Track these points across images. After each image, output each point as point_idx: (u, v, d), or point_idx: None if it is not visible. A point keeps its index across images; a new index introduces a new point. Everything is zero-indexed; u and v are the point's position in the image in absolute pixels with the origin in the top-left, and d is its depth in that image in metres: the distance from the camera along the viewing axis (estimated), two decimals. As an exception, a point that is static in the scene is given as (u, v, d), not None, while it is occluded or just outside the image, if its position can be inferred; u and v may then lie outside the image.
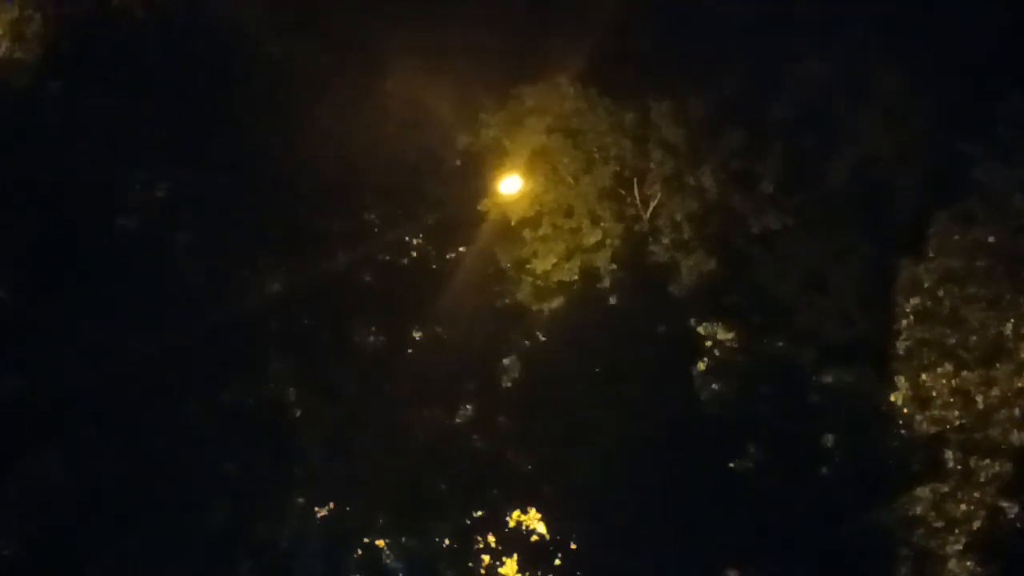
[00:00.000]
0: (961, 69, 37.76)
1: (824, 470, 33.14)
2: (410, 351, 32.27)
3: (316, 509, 31.12)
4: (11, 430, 28.92)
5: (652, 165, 37.18)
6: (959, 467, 31.82)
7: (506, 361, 33.03)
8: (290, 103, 33.18)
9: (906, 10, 39.00)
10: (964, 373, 32.17)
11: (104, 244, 30.21)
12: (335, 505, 30.92)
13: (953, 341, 32.62)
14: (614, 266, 36.14)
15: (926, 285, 33.26)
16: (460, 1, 38.48)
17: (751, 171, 37.26)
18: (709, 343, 35.64)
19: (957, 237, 33.27)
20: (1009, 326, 32.18)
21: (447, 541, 30.36)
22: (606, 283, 36.24)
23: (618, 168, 37.30)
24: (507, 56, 38.41)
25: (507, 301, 34.31)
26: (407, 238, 33.74)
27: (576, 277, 36.11)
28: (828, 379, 34.14)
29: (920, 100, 37.18)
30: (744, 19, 39.28)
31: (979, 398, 32.08)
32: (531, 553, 30.61)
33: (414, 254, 33.53)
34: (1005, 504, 31.10)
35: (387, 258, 33.13)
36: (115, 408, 28.99)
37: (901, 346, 33.26)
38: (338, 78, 34.40)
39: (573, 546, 31.32)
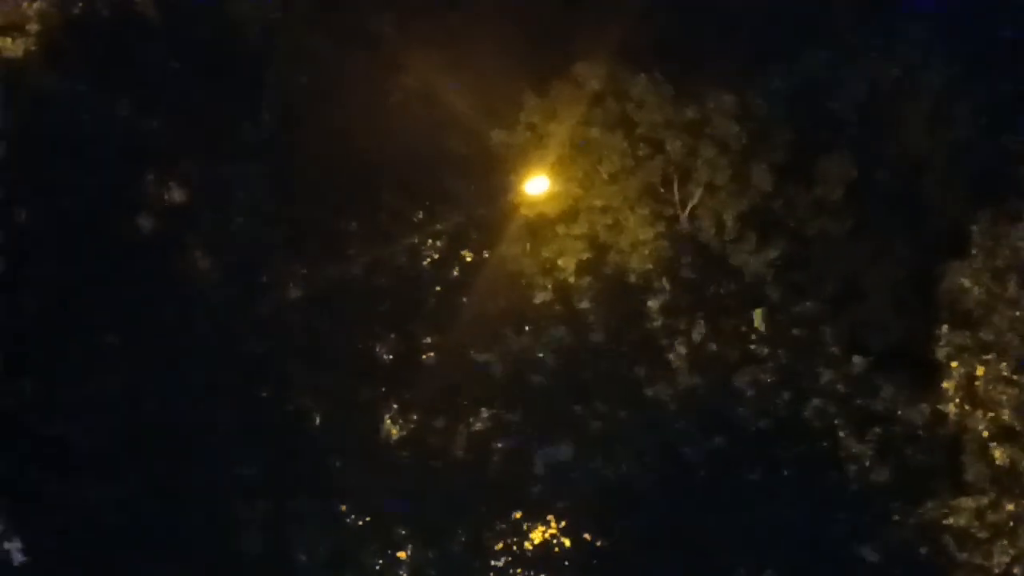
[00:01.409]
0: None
1: (864, 479, 32.42)
2: (429, 356, 31.85)
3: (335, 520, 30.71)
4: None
5: (700, 163, 37.12)
6: (1006, 473, 31.55)
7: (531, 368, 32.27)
8: (308, 100, 33.03)
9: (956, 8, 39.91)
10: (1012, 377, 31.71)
11: (119, 247, 29.89)
12: (354, 516, 30.57)
13: (997, 343, 32.21)
14: (650, 266, 36.05)
15: (968, 286, 32.87)
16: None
17: (801, 170, 37.27)
18: (745, 347, 35.08)
19: (1001, 237, 32.81)
20: None
21: (463, 552, 29.91)
22: (640, 283, 35.93)
23: (664, 165, 37.35)
24: (542, 47, 38.76)
25: (536, 302, 33.93)
26: (430, 239, 33.21)
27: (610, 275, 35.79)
28: (871, 385, 33.41)
29: (968, 98, 37.24)
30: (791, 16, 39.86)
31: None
32: (547, 564, 30.37)
33: (436, 256, 32.98)
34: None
35: (406, 260, 32.51)
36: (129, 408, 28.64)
37: (943, 351, 32.84)
38: (358, 74, 34.00)
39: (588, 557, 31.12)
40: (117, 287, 29.46)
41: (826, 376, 33.96)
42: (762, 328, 35.54)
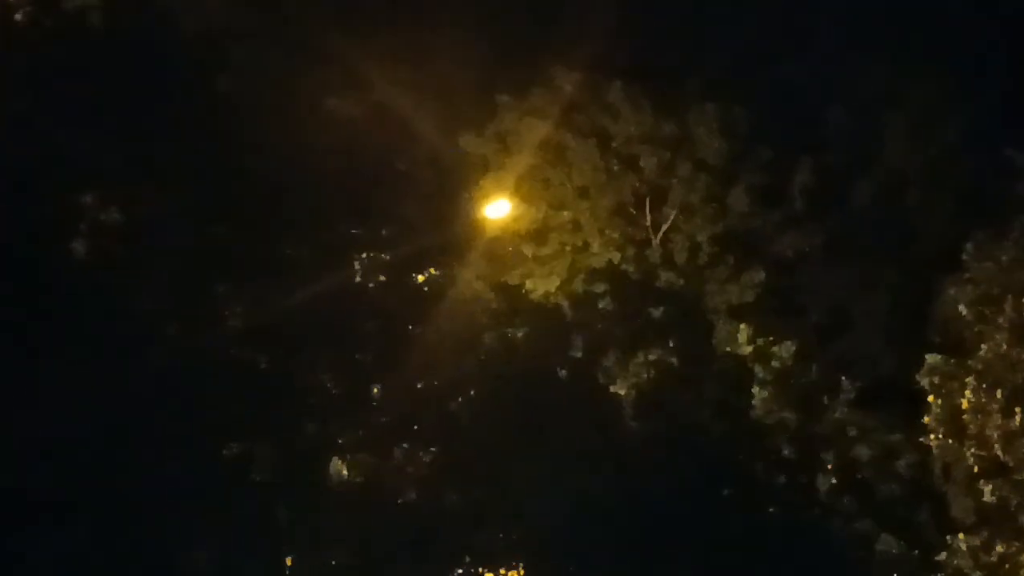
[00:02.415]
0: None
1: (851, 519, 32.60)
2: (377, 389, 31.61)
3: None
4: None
5: (675, 181, 36.67)
6: (997, 511, 31.06)
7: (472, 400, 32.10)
8: (259, 118, 32.27)
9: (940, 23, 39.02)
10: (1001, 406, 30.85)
11: (65, 267, 29.19)
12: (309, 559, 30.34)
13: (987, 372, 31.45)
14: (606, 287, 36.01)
15: (960, 311, 32.32)
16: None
17: (778, 189, 36.91)
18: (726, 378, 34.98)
19: (993, 258, 32.19)
20: None
21: None
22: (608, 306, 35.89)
23: (637, 182, 36.95)
24: (512, 60, 38.53)
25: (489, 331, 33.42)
26: (378, 263, 32.87)
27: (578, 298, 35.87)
28: (855, 419, 33.69)
29: (953, 113, 36.99)
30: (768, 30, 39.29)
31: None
32: None
33: (383, 278, 32.62)
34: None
35: (358, 282, 32.32)
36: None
37: (929, 381, 32.18)
38: (309, 89, 33.81)
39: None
40: (53, 316, 28.65)
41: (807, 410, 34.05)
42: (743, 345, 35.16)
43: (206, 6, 35.22)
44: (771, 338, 35.59)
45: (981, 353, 32.20)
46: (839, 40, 39.75)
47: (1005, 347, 32.04)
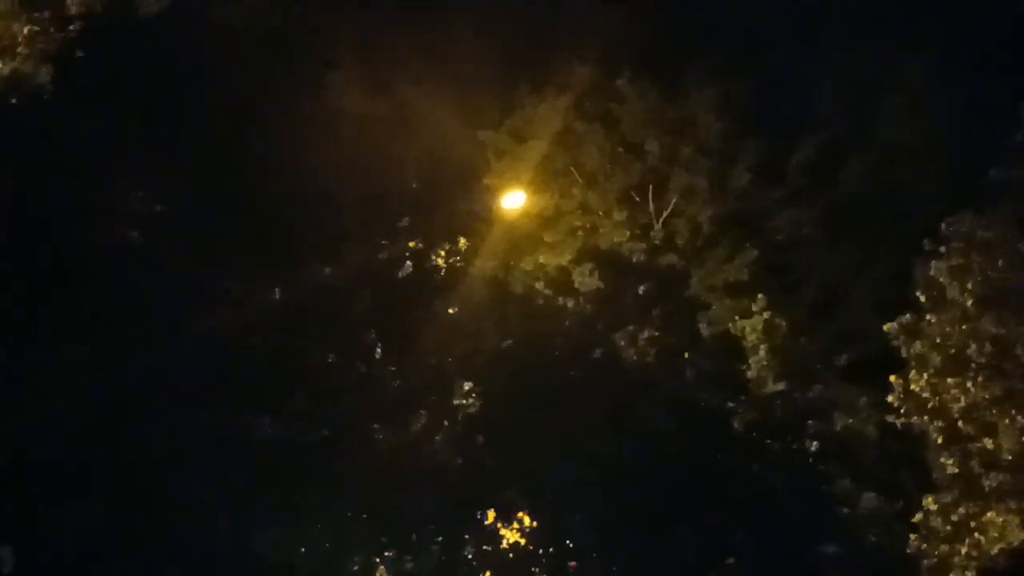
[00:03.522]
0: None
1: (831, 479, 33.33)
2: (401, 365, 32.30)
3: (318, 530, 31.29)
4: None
5: (676, 168, 37.27)
6: (964, 477, 31.17)
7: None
8: (287, 116, 33.94)
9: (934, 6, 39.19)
10: (975, 380, 31.03)
11: (89, 258, 30.65)
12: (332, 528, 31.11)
13: (967, 348, 31.53)
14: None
15: (940, 287, 32.13)
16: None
17: (776, 170, 37.32)
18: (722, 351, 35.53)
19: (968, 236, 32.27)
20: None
21: (437, 556, 30.64)
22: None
23: (641, 169, 37.47)
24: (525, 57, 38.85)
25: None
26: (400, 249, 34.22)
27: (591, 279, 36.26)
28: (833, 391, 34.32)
29: (945, 96, 37.09)
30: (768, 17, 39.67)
31: (987, 408, 31.05)
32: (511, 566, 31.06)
33: (408, 263, 33.93)
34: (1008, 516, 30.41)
35: (385, 269, 33.57)
36: (103, 422, 29.06)
37: (912, 352, 32.21)
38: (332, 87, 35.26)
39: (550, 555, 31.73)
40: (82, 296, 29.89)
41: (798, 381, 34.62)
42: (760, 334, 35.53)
43: (229, 7, 36.34)
44: (766, 314, 35.30)
45: (943, 321, 31.86)
46: (836, 25, 39.26)
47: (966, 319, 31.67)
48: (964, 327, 31.86)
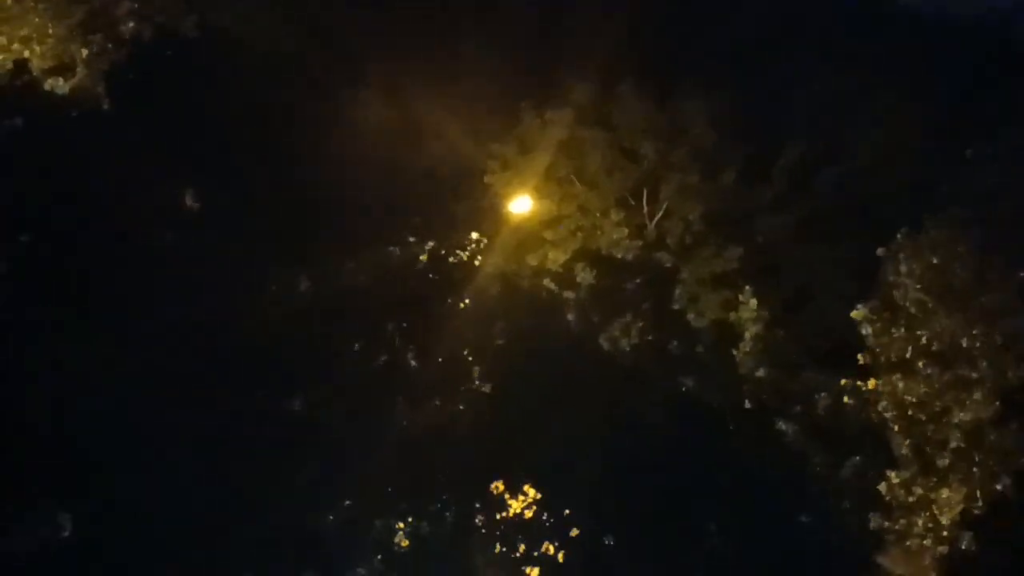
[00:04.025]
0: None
1: (809, 456, 33.64)
2: (422, 353, 32.58)
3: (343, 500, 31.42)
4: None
5: (670, 173, 38.03)
6: (918, 458, 32.22)
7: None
8: (319, 130, 35.15)
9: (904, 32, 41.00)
10: (926, 370, 32.22)
11: (126, 255, 31.48)
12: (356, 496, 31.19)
13: (919, 340, 32.63)
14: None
15: (898, 286, 33.26)
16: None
17: (759, 177, 38.27)
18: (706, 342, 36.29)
19: (927, 239, 33.25)
20: (974, 331, 32.06)
21: (451, 522, 30.91)
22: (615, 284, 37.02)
23: (636, 175, 38.29)
24: (530, 73, 39.84)
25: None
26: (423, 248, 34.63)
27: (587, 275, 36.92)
28: (809, 378, 34.69)
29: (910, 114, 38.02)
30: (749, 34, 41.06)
31: (937, 396, 32.24)
32: (520, 532, 31.21)
33: (424, 259, 34.47)
34: (957, 492, 31.52)
35: (408, 263, 34.13)
36: (128, 416, 29.59)
37: (871, 343, 33.46)
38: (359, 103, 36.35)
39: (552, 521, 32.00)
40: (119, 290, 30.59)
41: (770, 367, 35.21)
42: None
43: (261, 31, 37.85)
44: (752, 303, 36.03)
45: (899, 316, 32.87)
46: (815, 46, 40.35)
47: (919, 313, 32.71)
48: (917, 321, 32.72)
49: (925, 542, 32.08)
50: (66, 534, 29.25)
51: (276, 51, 37.85)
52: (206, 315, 31.33)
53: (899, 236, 33.55)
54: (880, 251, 33.73)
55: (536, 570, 30.76)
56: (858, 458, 33.70)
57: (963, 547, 31.53)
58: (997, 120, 37.19)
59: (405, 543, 30.88)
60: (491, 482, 31.50)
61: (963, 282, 32.78)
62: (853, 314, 33.53)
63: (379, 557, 30.73)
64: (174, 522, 29.48)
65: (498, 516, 31.48)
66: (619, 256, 38.00)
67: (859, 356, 34.08)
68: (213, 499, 29.78)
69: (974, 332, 32.22)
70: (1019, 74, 39.44)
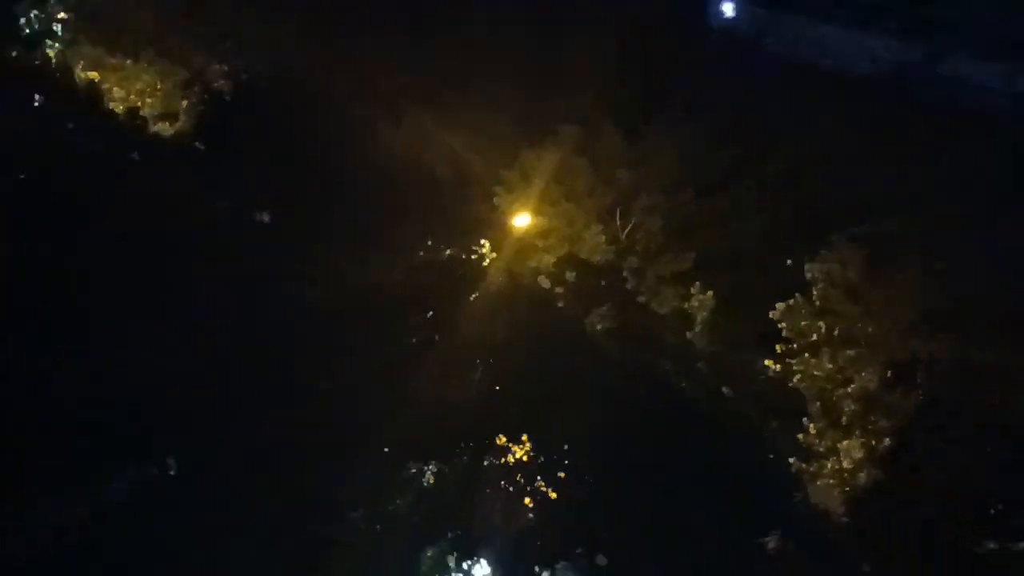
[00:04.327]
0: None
1: (745, 414, 33.06)
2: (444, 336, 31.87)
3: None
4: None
5: (641, 192, 37.43)
6: (826, 417, 32.34)
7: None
8: (364, 157, 35.06)
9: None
10: (831, 350, 32.46)
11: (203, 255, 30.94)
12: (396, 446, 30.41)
13: (825, 327, 32.81)
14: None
15: (811, 285, 33.46)
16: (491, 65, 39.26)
17: (711, 197, 37.50)
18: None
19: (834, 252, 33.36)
20: (866, 320, 32.25)
21: (466, 465, 30.24)
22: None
23: (613, 194, 37.69)
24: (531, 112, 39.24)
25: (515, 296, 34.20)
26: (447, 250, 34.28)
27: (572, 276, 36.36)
28: (744, 354, 34.28)
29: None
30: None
31: (841, 369, 32.49)
32: (518, 472, 30.42)
33: (444, 263, 33.91)
34: (856, 443, 31.48)
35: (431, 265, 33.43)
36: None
37: (789, 331, 33.52)
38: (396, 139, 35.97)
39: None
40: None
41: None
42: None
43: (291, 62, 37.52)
44: (703, 295, 35.48)
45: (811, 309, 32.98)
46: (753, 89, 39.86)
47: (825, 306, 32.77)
48: (824, 314, 33.08)
49: (833, 480, 31.79)
50: (68, 533, 27.37)
51: (329, 99, 37.60)
52: (273, 298, 31.18)
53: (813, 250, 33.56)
54: (789, 261, 34.27)
55: (529, 500, 30.08)
56: (780, 417, 33.41)
57: (862, 484, 31.20)
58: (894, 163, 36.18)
59: (432, 481, 30.28)
60: (496, 435, 30.89)
61: (858, 284, 32.74)
62: (774, 313, 33.58)
63: (412, 491, 30.19)
64: (232, 472, 28.60)
65: (502, 461, 30.82)
66: (597, 259, 37.46)
67: (781, 340, 33.77)
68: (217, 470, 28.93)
69: (867, 321, 32.25)
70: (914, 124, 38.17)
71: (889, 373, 32.11)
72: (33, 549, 26.46)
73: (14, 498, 26.62)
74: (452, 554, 28.83)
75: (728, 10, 47.27)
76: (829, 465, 31.95)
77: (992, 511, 29.93)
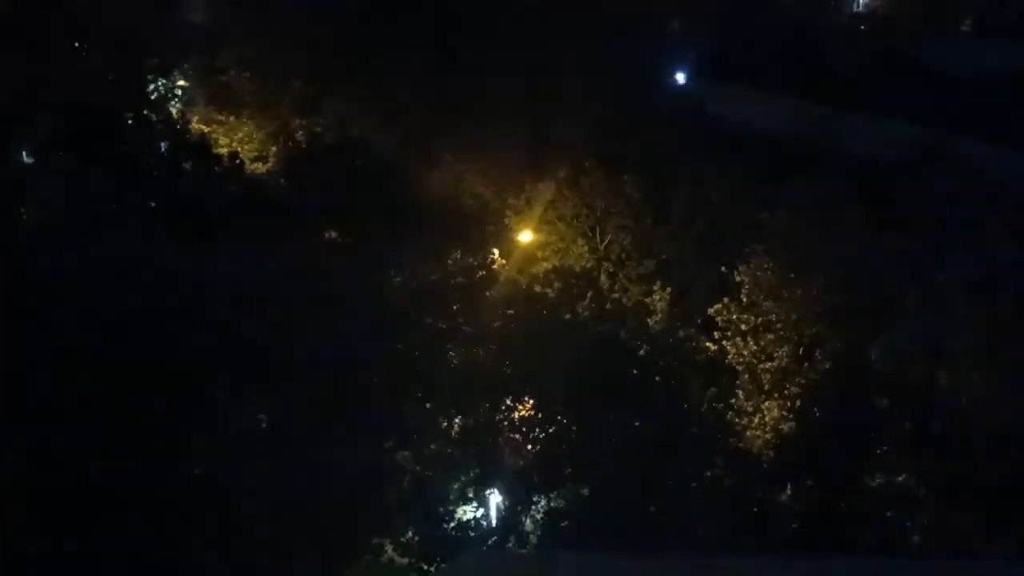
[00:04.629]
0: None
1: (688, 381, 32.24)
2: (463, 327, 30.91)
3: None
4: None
5: (614, 216, 38.38)
6: (753, 386, 33.06)
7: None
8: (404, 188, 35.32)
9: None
10: (755, 336, 33.34)
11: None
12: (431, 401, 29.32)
13: (750, 321, 33.57)
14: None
15: (740, 285, 33.98)
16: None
17: (663, 221, 38.52)
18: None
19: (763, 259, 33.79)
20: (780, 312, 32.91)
21: (483, 420, 29.55)
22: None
23: (595, 222, 39.05)
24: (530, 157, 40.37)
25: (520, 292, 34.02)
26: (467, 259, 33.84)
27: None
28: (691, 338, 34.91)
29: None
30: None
31: (762, 349, 33.22)
32: (523, 426, 29.93)
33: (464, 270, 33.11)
34: (774, 404, 32.19)
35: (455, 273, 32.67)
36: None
37: (722, 321, 34.09)
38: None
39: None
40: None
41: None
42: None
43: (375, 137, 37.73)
44: (660, 293, 36.34)
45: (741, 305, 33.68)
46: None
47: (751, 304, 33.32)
48: (750, 309, 33.72)
49: (758, 431, 32.45)
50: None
51: (382, 150, 38.54)
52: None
53: (739, 261, 34.35)
54: (724, 269, 34.80)
55: (530, 446, 29.80)
56: (719, 385, 33.69)
57: (782, 434, 31.86)
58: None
59: (456, 431, 29.65)
60: (506, 397, 30.20)
61: (773, 286, 33.51)
62: (712, 309, 34.32)
63: (441, 438, 29.46)
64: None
65: (509, 417, 30.27)
66: (581, 266, 38.23)
67: (718, 328, 34.52)
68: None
69: (780, 314, 33.12)
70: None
71: (800, 351, 32.90)
72: None
73: None
74: (473, 485, 28.79)
75: (679, 80, 49.43)
76: (756, 420, 32.41)
77: (877, 451, 30.76)
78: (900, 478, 28.70)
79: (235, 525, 22.40)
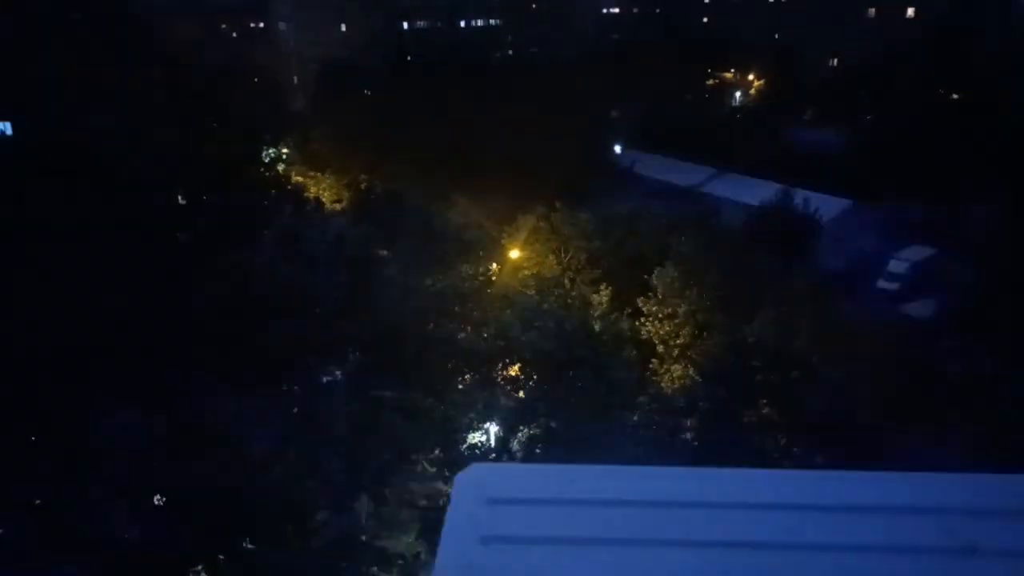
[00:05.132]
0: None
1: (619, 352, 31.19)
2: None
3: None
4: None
5: (576, 239, 38.06)
6: (666, 355, 32.70)
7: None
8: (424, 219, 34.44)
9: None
10: (670, 321, 32.69)
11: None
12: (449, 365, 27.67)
13: (666, 310, 33.12)
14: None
15: (658, 287, 33.80)
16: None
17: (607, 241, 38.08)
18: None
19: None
20: (685, 303, 32.38)
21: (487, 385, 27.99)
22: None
23: (561, 244, 38.57)
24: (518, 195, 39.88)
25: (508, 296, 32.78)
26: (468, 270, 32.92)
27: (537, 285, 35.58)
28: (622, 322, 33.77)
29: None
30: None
31: (673, 330, 32.86)
32: (512, 387, 28.96)
33: (464, 279, 31.91)
34: (679, 368, 31.92)
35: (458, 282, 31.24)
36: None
37: (647, 313, 33.64)
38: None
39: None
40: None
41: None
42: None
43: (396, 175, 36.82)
44: (605, 292, 35.11)
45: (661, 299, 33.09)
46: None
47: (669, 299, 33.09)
48: (666, 301, 32.97)
49: (670, 384, 31.71)
50: None
51: (417, 193, 37.42)
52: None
53: (658, 268, 33.76)
54: (646, 276, 33.96)
55: (518, 395, 28.93)
56: (642, 353, 32.87)
57: (685, 386, 30.86)
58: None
59: (467, 383, 28.58)
60: (500, 362, 29.43)
61: (684, 286, 32.94)
62: (639, 303, 33.74)
63: (458, 389, 28.16)
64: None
65: (502, 375, 29.54)
66: (552, 274, 37.49)
67: (642, 315, 33.77)
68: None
69: (686, 304, 32.59)
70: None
71: (696, 331, 32.67)
72: None
73: None
74: (479, 420, 27.89)
75: (617, 149, 49.34)
76: (667, 378, 32.20)
77: (752, 396, 29.32)
78: (765, 411, 28.15)
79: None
